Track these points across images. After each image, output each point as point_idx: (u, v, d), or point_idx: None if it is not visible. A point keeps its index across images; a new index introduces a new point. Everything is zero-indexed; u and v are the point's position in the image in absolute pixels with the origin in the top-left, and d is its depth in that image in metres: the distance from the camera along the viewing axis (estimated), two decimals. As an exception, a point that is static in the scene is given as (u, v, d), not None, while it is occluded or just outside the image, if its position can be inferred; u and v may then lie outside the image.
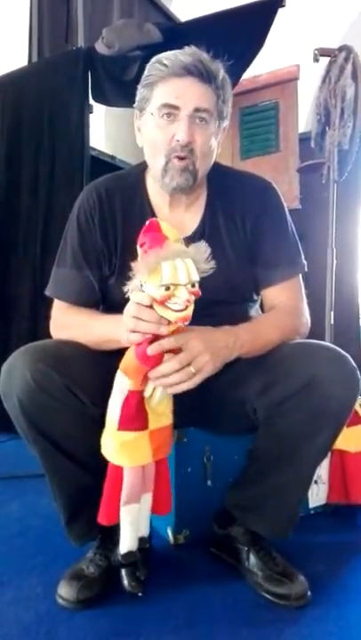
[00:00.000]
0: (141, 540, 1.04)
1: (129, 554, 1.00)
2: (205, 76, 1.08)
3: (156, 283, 0.84)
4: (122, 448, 0.95)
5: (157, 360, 0.91)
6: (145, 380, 0.94)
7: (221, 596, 1.10)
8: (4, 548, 1.33)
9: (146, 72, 1.12)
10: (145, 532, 1.06)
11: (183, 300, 0.85)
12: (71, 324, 1.16)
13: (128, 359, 0.94)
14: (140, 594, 1.03)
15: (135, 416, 0.94)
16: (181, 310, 0.85)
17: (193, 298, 0.86)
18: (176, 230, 0.93)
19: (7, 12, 2.92)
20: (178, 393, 0.96)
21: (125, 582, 1.04)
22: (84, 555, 1.15)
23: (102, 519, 1.00)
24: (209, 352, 0.95)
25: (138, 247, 0.90)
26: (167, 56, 1.09)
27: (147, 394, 0.95)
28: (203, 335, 0.97)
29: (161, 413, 0.97)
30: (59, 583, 1.09)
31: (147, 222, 0.91)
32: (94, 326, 1.11)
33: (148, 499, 1.03)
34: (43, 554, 1.28)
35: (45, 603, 1.07)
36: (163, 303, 0.86)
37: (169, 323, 0.89)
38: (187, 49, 1.10)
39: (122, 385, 0.94)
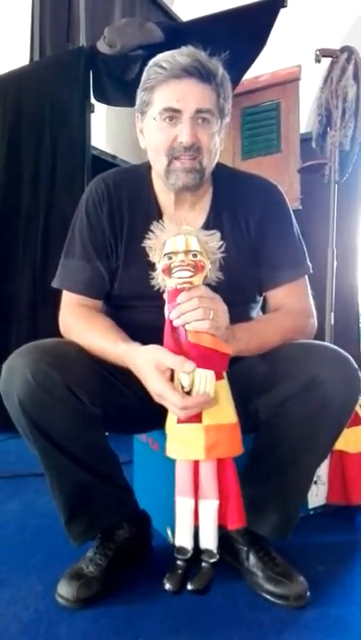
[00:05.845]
0: (206, 552, 0.95)
1: (180, 549, 0.96)
2: (205, 76, 1.08)
3: (161, 255, 0.96)
4: (174, 439, 0.96)
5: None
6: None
7: (221, 596, 1.09)
8: (2, 546, 1.33)
9: (145, 75, 1.12)
10: (208, 544, 0.95)
11: (178, 260, 0.94)
12: (74, 330, 1.15)
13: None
14: (168, 587, 0.94)
15: None
16: (183, 277, 0.94)
17: (192, 264, 0.93)
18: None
19: (9, 10, 2.91)
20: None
21: (167, 573, 0.97)
22: (84, 554, 1.14)
23: None
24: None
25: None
26: (165, 58, 1.09)
27: (185, 383, 0.94)
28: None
29: (219, 410, 0.95)
30: (58, 582, 1.08)
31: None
32: (94, 342, 1.10)
33: (209, 507, 0.95)
34: (42, 553, 1.28)
35: (45, 601, 1.07)
36: (168, 273, 0.95)
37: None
38: (184, 49, 1.10)
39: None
